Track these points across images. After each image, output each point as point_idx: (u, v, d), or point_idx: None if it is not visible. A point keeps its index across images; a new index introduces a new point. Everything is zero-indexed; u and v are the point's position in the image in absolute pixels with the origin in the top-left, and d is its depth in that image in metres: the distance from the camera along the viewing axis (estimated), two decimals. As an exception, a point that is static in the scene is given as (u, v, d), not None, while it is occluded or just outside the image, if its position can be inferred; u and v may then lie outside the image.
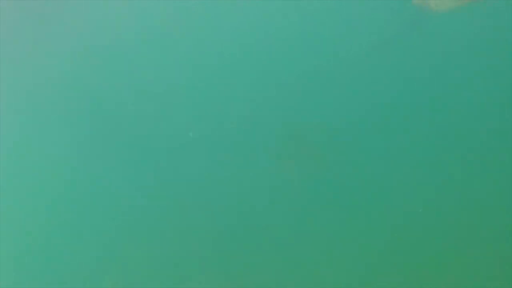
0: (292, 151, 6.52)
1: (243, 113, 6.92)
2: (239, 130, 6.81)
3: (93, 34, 7.93)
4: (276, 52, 7.30)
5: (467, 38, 6.63)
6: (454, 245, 5.62)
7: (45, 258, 6.33)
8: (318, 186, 6.23)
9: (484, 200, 5.81)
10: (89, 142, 7.06)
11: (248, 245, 6.06)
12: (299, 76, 6.99)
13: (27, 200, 6.72)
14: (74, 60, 7.71)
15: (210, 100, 7.12)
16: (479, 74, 6.48)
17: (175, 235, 6.25)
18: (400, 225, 5.84)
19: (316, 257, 5.84)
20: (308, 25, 7.30)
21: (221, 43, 7.55)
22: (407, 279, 5.55)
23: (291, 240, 5.97)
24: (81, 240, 6.35)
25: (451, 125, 6.27)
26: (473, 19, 6.74)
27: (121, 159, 6.86)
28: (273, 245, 6.00)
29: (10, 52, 7.95)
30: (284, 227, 6.06)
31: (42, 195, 6.74)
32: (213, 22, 7.75)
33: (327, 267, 5.77)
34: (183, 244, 6.18)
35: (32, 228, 6.53)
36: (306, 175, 6.31)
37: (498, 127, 6.11)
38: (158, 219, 6.38)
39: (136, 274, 6.08)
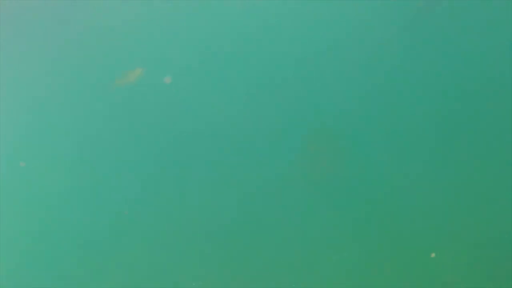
0: (293, 151, 6.53)
1: (244, 112, 6.93)
2: (240, 130, 6.83)
3: (93, 32, 7.95)
4: (277, 53, 7.31)
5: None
6: (454, 246, 5.63)
7: (46, 258, 6.34)
8: (318, 186, 6.24)
9: (484, 200, 5.82)
10: (89, 140, 7.08)
11: (248, 245, 6.06)
12: (297, 78, 7.04)
13: (27, 201, 6.74)
14: (74, 60, 7.73)
15: (211, 99, 7.13)
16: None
17: (176, 235, 6.26)
18: (400, 225, 5.85)
19: (315, 257, 5.84)
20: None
21: (225, 43, 7.57)
22: (406, 279, 5.56)
23: (291, 240, 5.98)
24: (81, 240, 6.36)
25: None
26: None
27: (121, 159, 6.88)
28: (273, 245, 6.00)
29: (10, 52, 7.97)
30: (284, 227, 6.07)
31: (42, 195, 6.76)
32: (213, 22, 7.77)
33: (327, 267, 5.78)
34: (183, 244, 6.19)
35: (33, 229, 6.54)
36: (307, 175, 6.32)
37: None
38: (158, 219, 6.39)
39: (136, 274, 6.09)
